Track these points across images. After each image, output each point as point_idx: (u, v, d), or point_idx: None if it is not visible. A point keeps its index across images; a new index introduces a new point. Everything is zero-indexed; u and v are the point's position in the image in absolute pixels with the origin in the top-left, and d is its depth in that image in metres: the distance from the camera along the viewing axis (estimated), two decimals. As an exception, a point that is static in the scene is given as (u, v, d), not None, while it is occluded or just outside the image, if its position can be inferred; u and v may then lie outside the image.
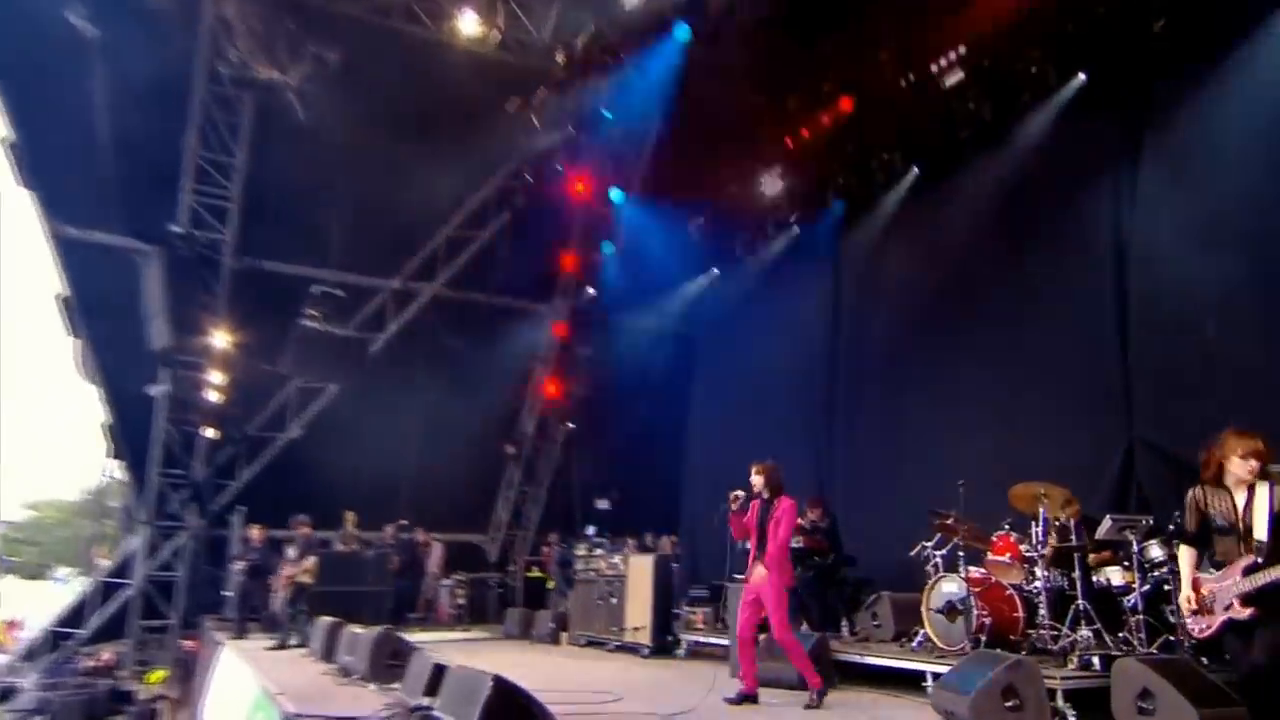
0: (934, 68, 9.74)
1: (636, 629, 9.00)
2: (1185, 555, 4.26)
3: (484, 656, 9.01)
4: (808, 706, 5.83)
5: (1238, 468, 4.05)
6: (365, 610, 10.99)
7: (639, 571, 9.39)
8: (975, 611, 6.26)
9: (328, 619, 8.49)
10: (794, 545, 8.33)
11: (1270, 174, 6.76)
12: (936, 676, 6.01)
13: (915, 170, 10.53)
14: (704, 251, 14.65)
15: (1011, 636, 6.39)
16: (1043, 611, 6.23)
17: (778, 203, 12.95)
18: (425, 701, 4.76)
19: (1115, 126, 8.08)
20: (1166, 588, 5.85)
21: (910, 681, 6.35)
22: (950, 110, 9.88)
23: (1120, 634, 5.87)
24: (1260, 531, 3.93)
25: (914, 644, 6.83)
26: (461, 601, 14.44)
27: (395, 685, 6.41)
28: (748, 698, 5.96)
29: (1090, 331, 8.04)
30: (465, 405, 15.48)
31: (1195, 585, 4.15)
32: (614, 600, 9.69)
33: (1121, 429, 7.61)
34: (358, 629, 7.41)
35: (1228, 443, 4.11)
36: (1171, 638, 5.67)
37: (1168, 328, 7.42)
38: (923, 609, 6.76)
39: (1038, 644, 6.09)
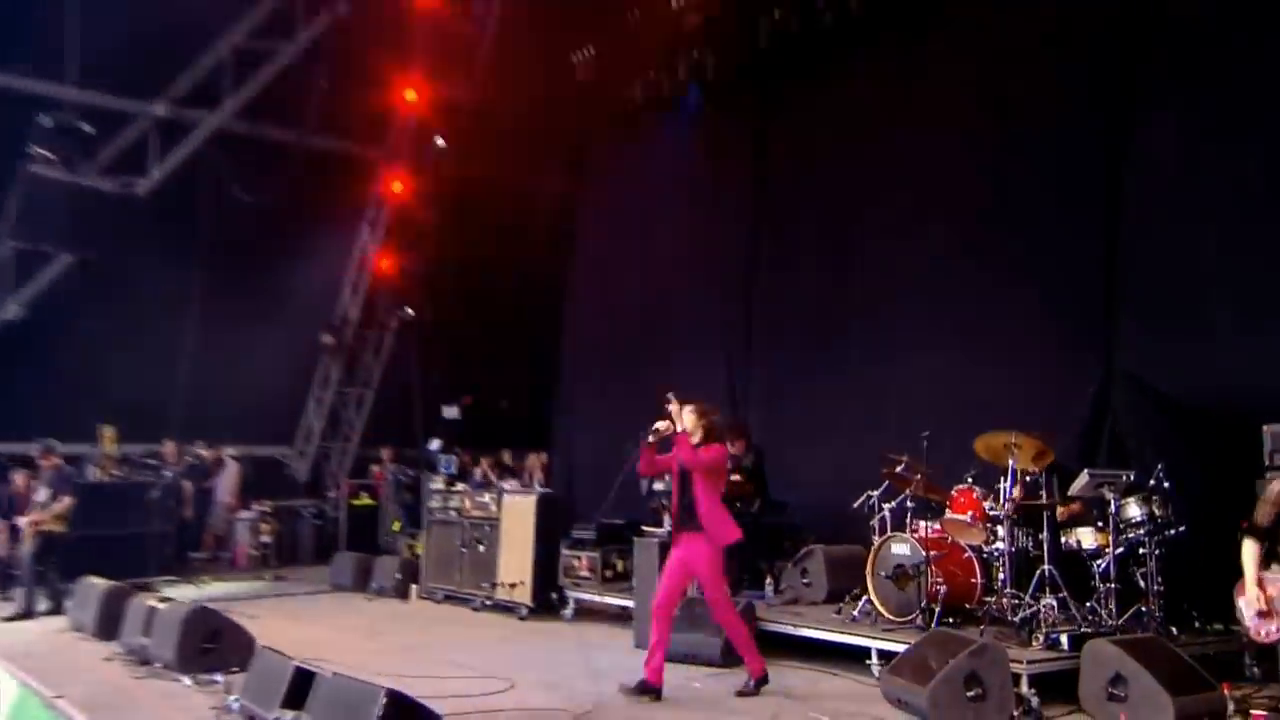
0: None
1: (513, 585, 9.26)
2: (1251, 551, 4.72)
3: (315, 620, 9.11)
4: (741, 694, 6.26)
5: None
6: (138, 559, 10.75)
7: (517, 515, 9.60)
8: (931, 577, 6.83)
9: (100, 582, 8.24)
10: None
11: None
12: (884, 655, 6.58)
13: (873, 13, 10.57)
14: (591, 93, 14.30)
15: (967, 605, 7.04)
16: (1003, 577, 6.86)
17: (693, 37, 12.70)
18: (286, 716, 4.78)
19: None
20: (1141, 551, 6.57)
21: (851, 656, 6.92)
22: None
23: (1088, 603, 6.59)
24: None
25: (855, 612, 7.39)
26: (267, 539, 14.32)
27: (214, 677, 6.38)
28: (649, 690, 6.15)
29: (1070, 243, 8.55)
30: (265, 282, 14.90)
31: (1261, 585, 4.61)
32: (482, 548, 9.89)
33: (1098, 357, 8.27)
34: (155, 602, 7.25)
35: None
36: (1143, 608, 6.42)
37: (1162, 241, 7.99)
38: (868, 573, 7.30)
39: (995, 613, 6.75)
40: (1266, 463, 6.38)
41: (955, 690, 5.50)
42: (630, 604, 8.30)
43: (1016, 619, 6.56)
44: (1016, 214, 9.05)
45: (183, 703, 5.95)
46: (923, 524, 7.38)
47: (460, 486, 10.67)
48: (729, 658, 7.05)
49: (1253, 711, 5.34)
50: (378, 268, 16.73)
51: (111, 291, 13.23)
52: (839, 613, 7.63)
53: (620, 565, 10.01)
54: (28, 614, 8.93)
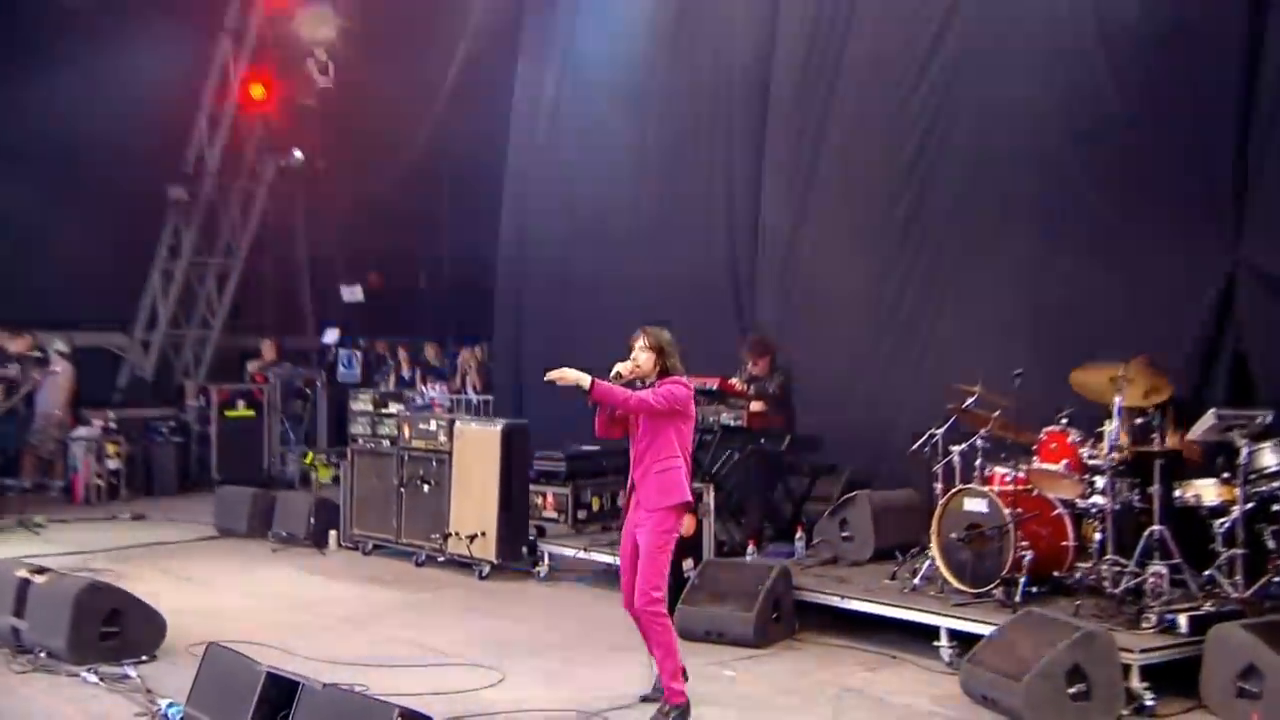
0: None
1: (473, 537, 9.75)
2: None
3: (215, 583, 9.59)
4: (647, 699, 6.48)
5: None
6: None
7: (475, 449, 10.07)
8: (1014, 541, 7.42)
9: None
10: (728, 421, 9.20)
11: None
12: (956, 636, 7.19)
13: None
14: None
15: (1056, 573, 7.66)
16: (1099, 537, 7.48)
17: None
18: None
19: None
20: (1275, 508, 7.19)
21: (911, 632, 7.54)
22: None
23: (1206, 571, 7.23)
24: None
25: (916, 579, 7.99)
26: (114, 464, 14.58)
27: (125, 670, 6.78)
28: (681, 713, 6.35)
29: (1192, 110, 8.90)
30: (93, 114, 14.82)
31: None
32: (427, 489, 10.34)
33: (1220, 253, 8.73)
34: (27, 572, 7.57)
35: None
36: (1275, 578, 7.06)
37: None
38: (933, 533, 7.87)
39: (1092, 583, 7.38)
40: None
41: (1056, 686, 6.11)
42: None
43: (1118, 590, 7.18)
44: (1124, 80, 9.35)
45: (96, 709, 6.33)
46: (1000, 472, 7.95)
47: (396, 409, 11.00)
48: (764, 636, 7.64)
49: None
50: (245, 96, 16.58)
51: None
52: (893, 578, 8.24)
53: (596, 504, 10.61)
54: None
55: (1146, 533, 7.32)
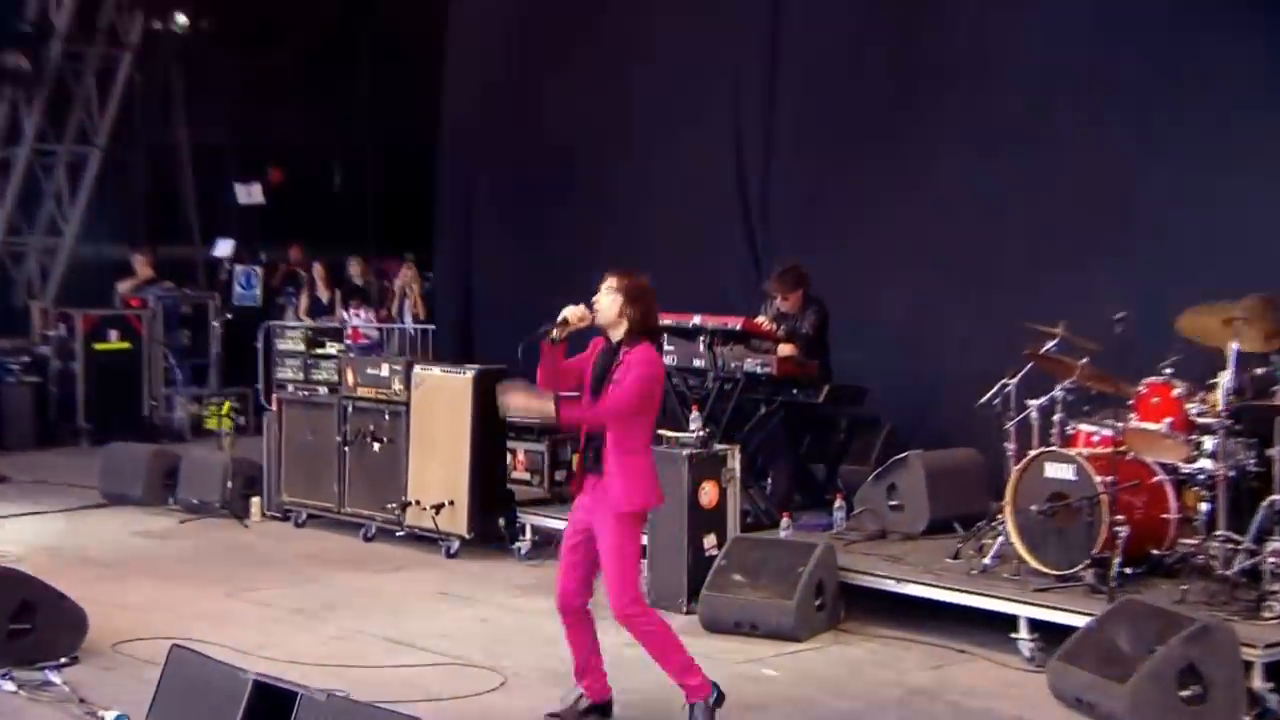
0: None
1: (439, 507, 10.18)
2: None
3: (127, 566, 9.94)
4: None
5: None
6: None
7: (440, 400, 10.50)
8: (1106, 512, 7.94)
9: None
10: (755, 368, 9.65)
11: None
12: (1037, 627, 7.71)
13: None
14: None
15: (1155, 550, 8.17)
16: (1206, 509, 8.01)
17: None
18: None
19: None
20: None
21: (981, 622, 8.07)
22: None
23: (1332, 550, 7.78)
24: None
25: (987, 559, 8.50)
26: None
27: (47, 676, 7.15)
28: (596, 709, 6.80)
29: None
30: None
31: None
32: (378, 448, 10.75)
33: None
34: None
35: None
36: None
37: None
38: (1007, 504, 8.36)
39: (1197, 562, 7.92)
40: None
41: (1166, 689, 6.61)
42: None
43: (1231, 572, 7.72)
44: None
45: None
46: (1086, 430, 8.46)
47: (335, 348, 11.37)
48: (807, 627, 8.14)
49: None
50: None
51: None
52: (956, 556, 8.75)
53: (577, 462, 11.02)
54: None
55: (1265, 503, 7.81)
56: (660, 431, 9.44)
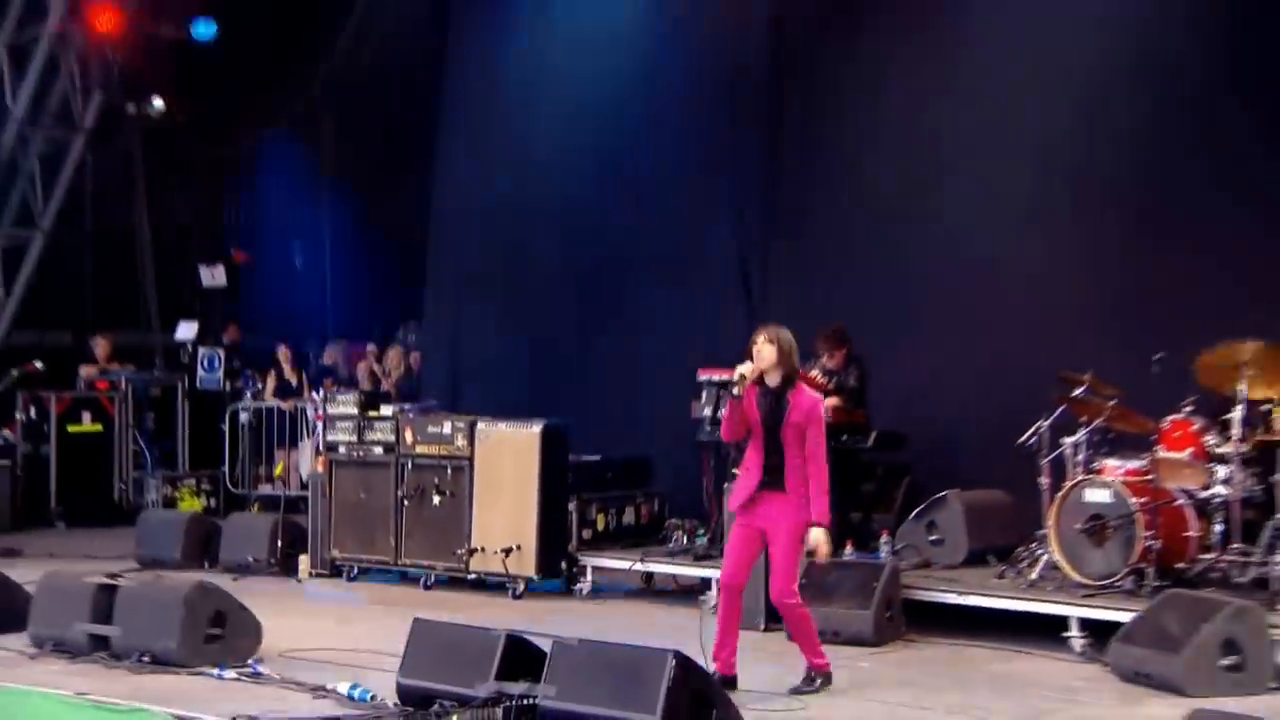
0: None
1: (508, 551, 12.32)
2: None
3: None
4: (797, 691, 9.21)
5: None
6: None
7: (505, 454, 12.67)
8: (1140, 530, 10.43)
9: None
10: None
11: None
12: (1086, 624, 10.14)
13: None
14: None
15: (1179, 564, 10.68)
16: (1219, 528, 10.56)
17: None
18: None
19: None
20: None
21: (1030, 628, 10.46)
22: None
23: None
24: None
25: (1035, 574, 10.96)
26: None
27: (252, 668, 9.24)
28: (726, 681, 9.09)
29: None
30: None
31: None
32: (439, 500, 12.88)
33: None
34: (104, 578, 9.93)
35: None
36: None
37: None
38: (1051, 526, 10.83)
39: (1213, 574, 10.44)
40: None
41: (1211, 659, 9.06)
42: (714, 574, 11.55)
43: (1245, 580, 10.27)
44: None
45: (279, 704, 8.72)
46: (1111, 464, 10.99)
47: (387, 410, 13.48)
48: (882, 633, 10.50)
49: None
50: (93, 24, 18.61)
51: None
52: (1001, 576, 11.21)
53: (602, 522, 13.26)
54: None
55: (1270, 523, 10.41)
56: (735, 468, 11.86)
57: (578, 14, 16.68)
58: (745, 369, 9.17)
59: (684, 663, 7.52)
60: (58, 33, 19.03)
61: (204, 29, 18.93)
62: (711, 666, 8.97)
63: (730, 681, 9.14)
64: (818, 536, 9.10)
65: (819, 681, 9.23)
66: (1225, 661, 8.95)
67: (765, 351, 9.16)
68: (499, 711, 7.76)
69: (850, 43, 14.86)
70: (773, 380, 9.22)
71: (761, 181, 15.47)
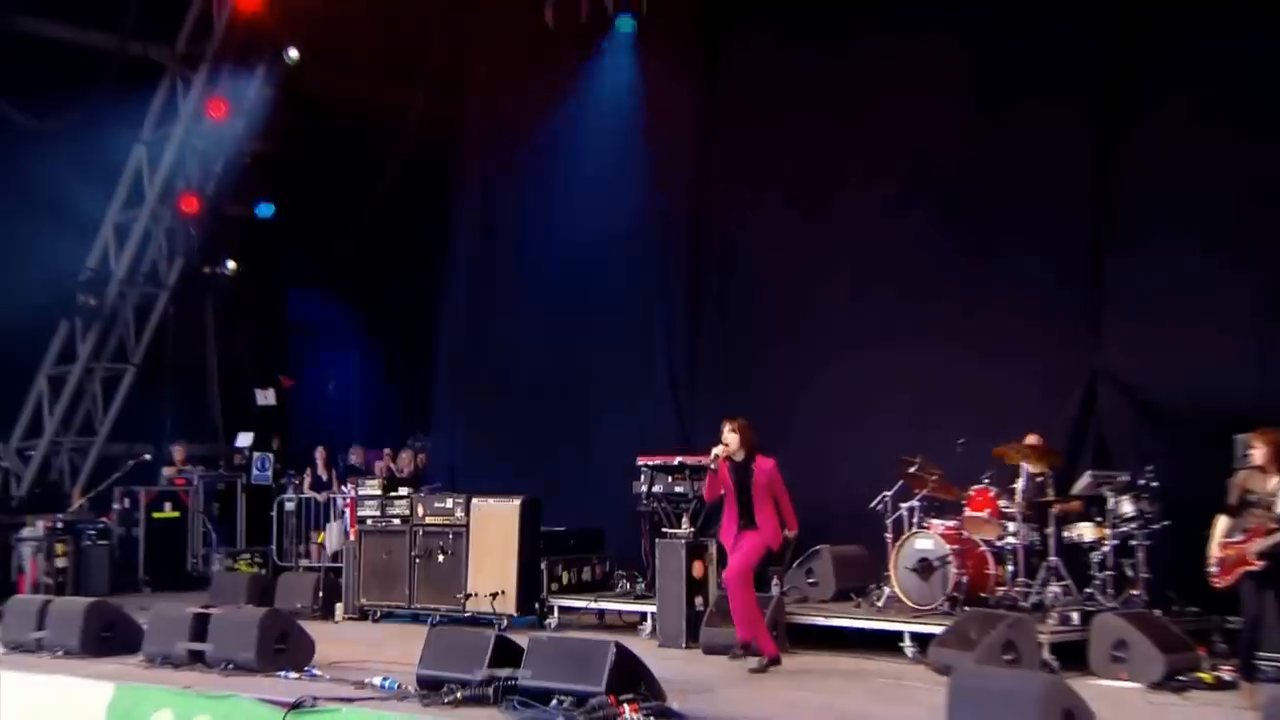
0: None
1: (495, 595, 13.77)
2: (1220, 524, 10.03)
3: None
4: (756, 670, 10.92)
5: (1263, 458, 9.88)
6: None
7: (494, 522, 14.11)
8: (953, 569, 12.01)
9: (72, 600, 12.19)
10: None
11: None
12: (916, 637, 11.70)
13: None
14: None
15: (983, 594, 12.24)
16: (1012, 568, 12.16)
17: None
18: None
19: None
20: (1131, 543, 11.96)
21: (878, 643, 12.00)
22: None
23: (1086, 589, 11.95)
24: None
25: (880, 603, 12.49)
26: (63, 563, 17.90)
27: (309, 671, 10.70)
28: (773, 662, 10.97)
29: (1059, 244, 13.91)
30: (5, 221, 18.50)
31: (1224, 545, 9.95)
32: (441, 559, 14.35)
33: (1084, 359, 13.70)
34: (206, 609, 11.40)
35: (1263, 436, 9.93)
36: (1132, 592, 11.80)
37: (1146, 245, 13.40)
38: (891, 566, 12.40)
39: (1009, 602, 12.00)
40: (1235, 465, 11.82)
41: (996, 655, 10.59)
42: (651, 609, 13.09)
43: (1028, 604, 11.85)
44: (1006, 212, 14.35)
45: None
46: (935, 522, 12.59)
47: (404, 491, 15.00)
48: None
49: (1223, 665, 10.77)
50: (179, 208, 20.34)
51: None
52: (858, 605, 12.76)
53: (566, 578, 14.72)
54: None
55: (1044, 564, 12.04)
56: (664, 529, 13.41)
57: (552, 181, 18.40)
58: (719, 450, 11.08)
59: (621, 650, 9.00)
60: (152, 214, 20.68)
61: (264, 209, 20.84)
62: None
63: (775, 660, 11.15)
64: (789, 535, 11.40)
65: (766, 663, 11.01)
66: (1007, 656, 10.40)
67: (731, 439, 11.02)
68: (490, 690, 9.16)
69: (755, 202, 16.64)
70: (739, 457, 11.05)
71: (687, 315, 17.18)
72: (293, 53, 19.50)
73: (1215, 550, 10.12)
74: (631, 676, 8.99)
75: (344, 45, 18.78)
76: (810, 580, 13.54)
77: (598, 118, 17.88)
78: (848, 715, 9.61)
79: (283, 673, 10.75)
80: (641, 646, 10.64)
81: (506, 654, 9.50)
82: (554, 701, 8.82)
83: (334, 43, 18.88)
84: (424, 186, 19.99)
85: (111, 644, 12.05)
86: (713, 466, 11.21)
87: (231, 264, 20.86)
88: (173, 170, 20.71)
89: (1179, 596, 12.00)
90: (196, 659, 11.23)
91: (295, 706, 9.24)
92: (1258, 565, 9.81)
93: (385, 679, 10.10)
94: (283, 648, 11.08)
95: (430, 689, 9.55)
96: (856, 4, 15.60)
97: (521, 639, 9.60)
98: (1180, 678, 10.37)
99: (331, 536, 18.59)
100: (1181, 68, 13.41)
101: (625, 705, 8.63)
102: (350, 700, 9.49)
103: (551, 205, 18.28)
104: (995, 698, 7.74)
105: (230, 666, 10.97)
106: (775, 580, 13.38)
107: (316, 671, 10.84)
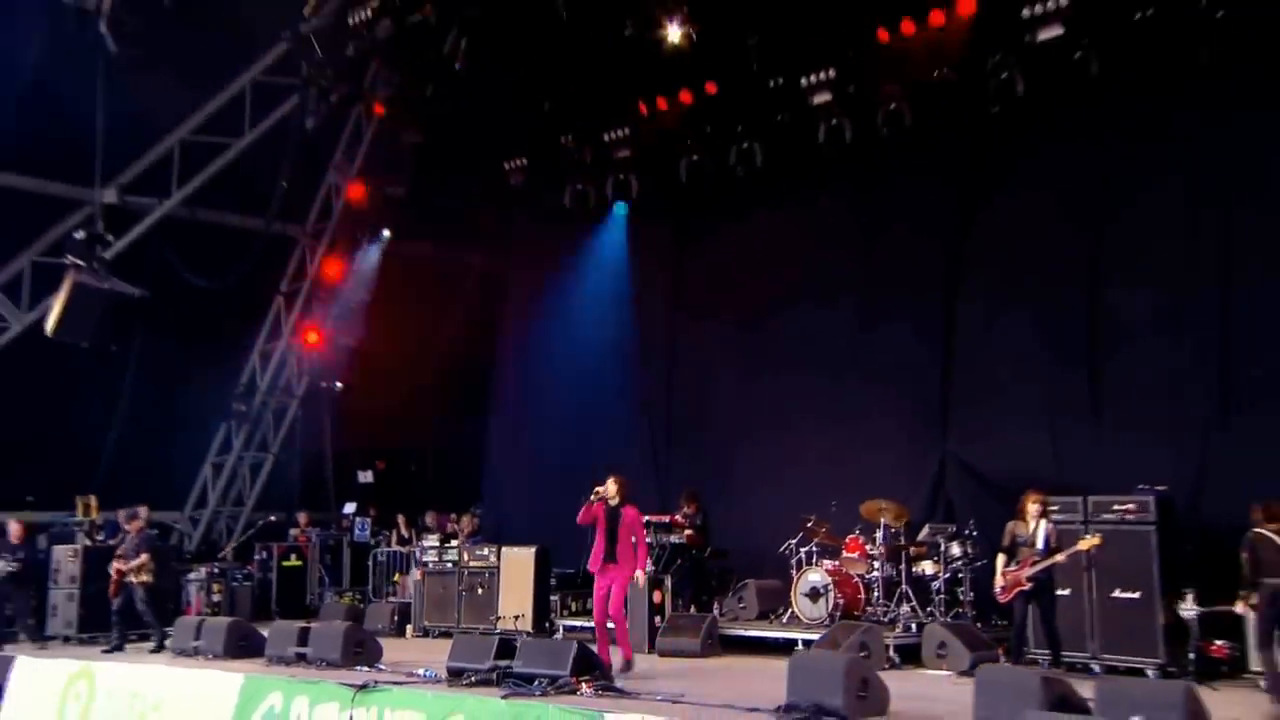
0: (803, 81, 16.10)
1: (517, 617, 15.10)
2: (1000, 558, 11.38)
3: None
4: (622, 671, 11.57)
5: (1032, 511, 11.23)
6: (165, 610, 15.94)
7: (517, 563, 15.48)
8: (834, 594, 13.31)
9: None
10: (675, 540, 15.00)
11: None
12: (807, 642, 12.98)
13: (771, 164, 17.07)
14: (521, 195, 20.37)
15: (856, 612, 13.52)
16: (877, 594, 13.46)
17: (621, 163, 18.93)
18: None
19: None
20: (960, 575, 13.24)
21: (783, 648, 13.27)
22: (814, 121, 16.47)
23: (928, 608, 13.22)
24: (1039, 544, 11.09)
25: (785, 619, 13.80)
26: (218, 598, 19.36)
27: (377, 665, 12.10)
28: (628, 664, 11.84)
29: (920, 352, 15.36)
30: (186, 353, 20.11)
31: (1004, 573, 11.28)
32: (480, 590, 15.72)
33: (938, 443, 15.08)
34: (310, 624, 12.83)
35: (1029, 496, 11.29)
36: (959, 609, 13.08)
37: (984, 339, 14.82)
38: (792, 593, 13.70)
39: (872, 617, 13.28)
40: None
41: (855, 651, 11.92)
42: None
43: (886, 619, 13.13)
44: (883, 330, 15.80)
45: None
46: (826, 562, 13.91)
47: (455, 542, 16.42)
48: (709, 652, 13.30)
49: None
50: (305, 339, 22.06)
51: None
52: (771, 622, 14.05)
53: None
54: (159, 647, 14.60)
55: (898, 590, 13.34)
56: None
57: (567, 321, 20.01)
58: (602, 489, 11.71)
59: (582, 646, 10.45)
60: (287, 344, 22.42)
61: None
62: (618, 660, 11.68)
63: (628, 664, 11.84)
64: (639, 577, 12.04)
65: (625, 666, 11.74)
66: (862, 654, 11.70)
67: (611, 487, 11.80)
68: (494, 675, 10.57)
69: (713, 319, 18.16)
70: (614, 501, 11.80)
71: (664, 403, 18.74)
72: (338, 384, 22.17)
73: (999, 578, 11.40)
74: (589, 664, 10.38)
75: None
76: (741, 605, 14.78)
77: (597, 273, 19.64)
78: (748, 692, 10.61)
79: (359, 668, 12.14)
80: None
81: (506, 649, 10.91)
82: (536, 682, 10.18)
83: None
84: (481, 330, 21.58)
85: (245, 649, 13.48)
86: (592, 500, 11.54)
87: (339, 384, 22.34)
88: (301, 312, 22.39)
89: (995, 613, 13.17)
90: (301, 659, 12.64)
91: (362, 687, 10.55)
92: (1028, 586, 11.08)
93: (426, 670, 11.51)
94: (360, 651, 12.48)
95: (455, 676, 10.97)
96: (773, 189, 17.02)
97: (520, 635, 11.01)
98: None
99: (411, 581, 19.72)
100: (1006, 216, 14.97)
101: (583, 683, 9.98)
102: (400, 683, 10.85)
103: (567, 339, 19.81)
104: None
105: (323, 664, 12.38)
106: (715, 605, 14.74)
107: (382, 666, 12.21)
